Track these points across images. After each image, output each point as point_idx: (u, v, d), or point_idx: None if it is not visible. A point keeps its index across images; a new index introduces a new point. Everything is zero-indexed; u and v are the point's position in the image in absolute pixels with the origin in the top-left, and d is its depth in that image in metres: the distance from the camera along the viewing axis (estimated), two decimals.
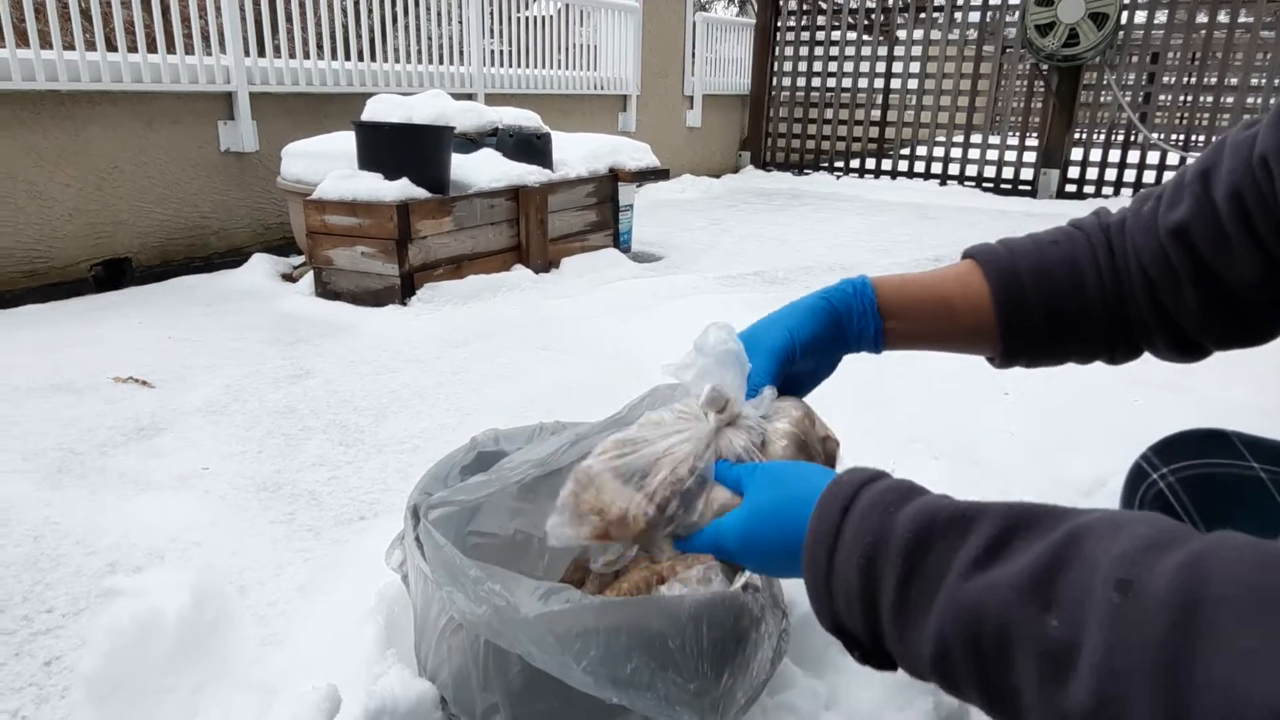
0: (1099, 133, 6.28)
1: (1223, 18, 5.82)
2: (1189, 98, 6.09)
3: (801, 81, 7.45)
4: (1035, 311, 0.74)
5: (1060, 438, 1.93)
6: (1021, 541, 0.44)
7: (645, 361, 2.46)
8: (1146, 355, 0.77)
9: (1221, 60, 5.83)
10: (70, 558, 1.42)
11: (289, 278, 3.37)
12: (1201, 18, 5.84)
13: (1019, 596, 0.41)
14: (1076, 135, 6.37)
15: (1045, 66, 6.22)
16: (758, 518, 0.60)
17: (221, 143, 3.63)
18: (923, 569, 0.47)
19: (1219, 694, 0.34)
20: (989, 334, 0.75)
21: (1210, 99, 5.97)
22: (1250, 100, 5.81)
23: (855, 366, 2.59)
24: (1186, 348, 0.73)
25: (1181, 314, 0.70)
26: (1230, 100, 5.88)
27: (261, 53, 3.71)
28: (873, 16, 7.07)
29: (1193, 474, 0.77)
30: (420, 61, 4.55)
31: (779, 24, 7.47)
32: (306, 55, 3.90)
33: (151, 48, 3.27)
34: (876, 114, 7.20)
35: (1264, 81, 5.78)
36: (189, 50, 3.42)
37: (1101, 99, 6.22)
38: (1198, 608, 0.35)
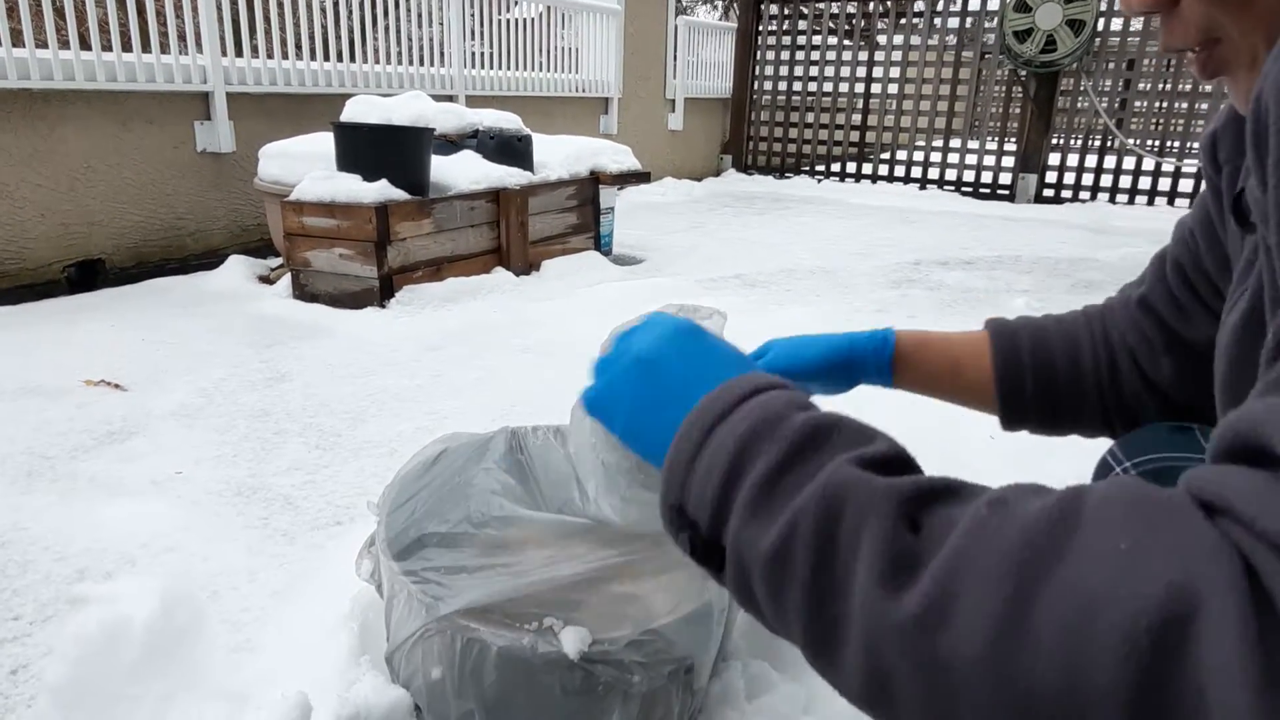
0: (1076, 138, 6.35)
1: None
2: (1164, 104, 6.17)
3: (783, 85, 7.48)
4: (1030, 382, 0.82)
5: (1038, 443, 1.93)
6: (918, 469, 0.43)
7: None
8: None
9: None
10: (39, 564, 1.39)
11: (266, 280, 3.33)
12: None
13: (891, 501, 0.39)
14: (1054, 140, 6.43)
15: (1023, 72, 6.28)
16: (666, 345, 0.56)
17: (198, 143, 3.59)
18: (806, 457, 0.43)
19: (1069, 593, 0.32)
20: (992, 400, 0.84)
21: (1185, 105, 6.05)
22: (1224, 107, 5.88)
23: None
24: (1178, 413, 0.80)
25: (1162, 380, 0.79)
26: (1205, 106, 5.96)
27: (239, 52, 3.67)
28: (853, 22, 7.11)
29: (1155, 467, 0.78)
30: (400, 63, 4.52)
31: (760, 28, 7.49)
32: (285, 55, 3.87)
33: (126, 46, 3.23)
34: (857, 118, 7.24)
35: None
36: (165, 49, 3.38)
37: (1079, 105, 6.29)
38: (1065, 520, 0.34)
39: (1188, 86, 5.94)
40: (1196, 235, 0.74)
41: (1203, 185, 0.74)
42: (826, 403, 0.89)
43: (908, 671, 0.36)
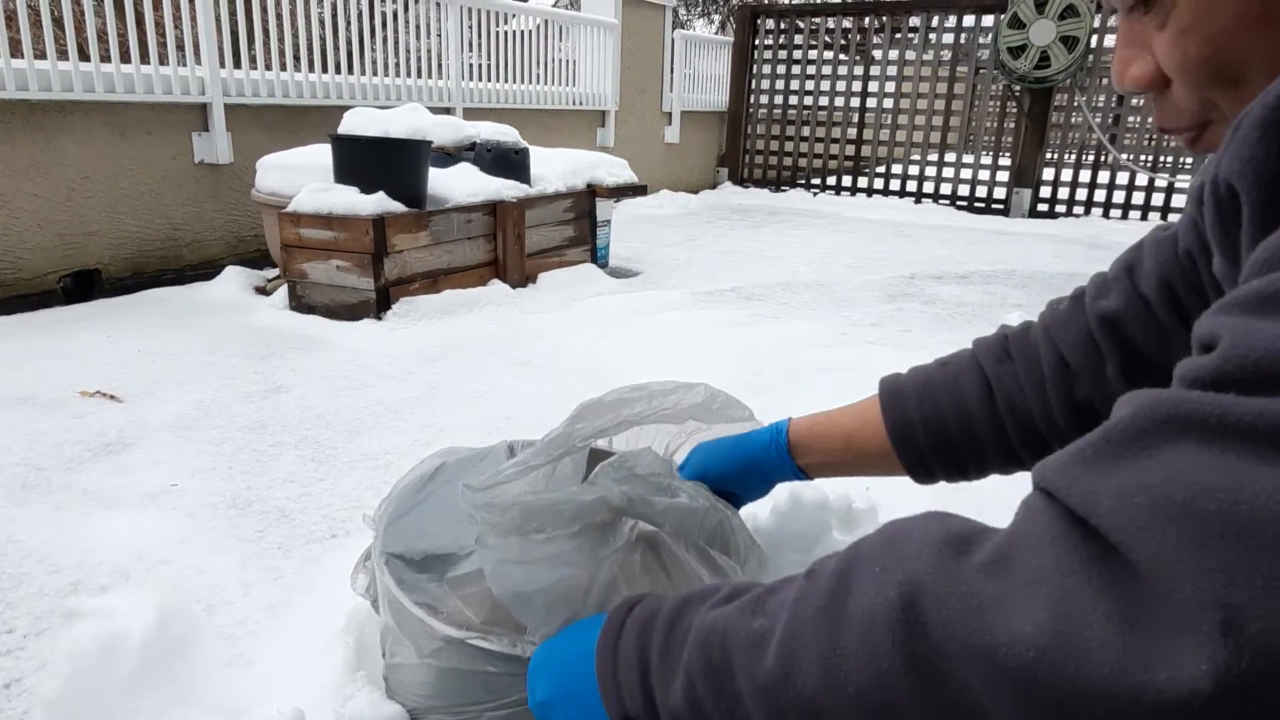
0: (1070, 153, 6.39)
1: None
2: None
3: (779, 99, 7.52)
4: (921, 433, 0.82)
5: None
6: (753, 589, 0.55)
7: (622, 377, 2.45)
8: None
9: None
10: (33, 577, 1.39)
11: (262, 291, 3.33)
12: None
13: (738, 612, 0.52)
14: (1048, 155, 6.48)
15: (1018, 88, 6.32)
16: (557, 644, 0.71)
17: (196, 154, 3.60)
18: (679, 623, 0.56)
19: (862, 608, 0.44)
20: (891, 460, 0.85)
21: None
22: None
23: (830, 381, 2.59)
24: None
25: (1103, 400, 0.75)
26: None
27: (237, 64, 3.69)
28: (849, 36, 7.16)
29: None
30: (398, 75, 4.54)
31: (756, 42, 7.54)
32: (283, 67, 3.88)
33: (125, 57, 3.24)
34: (853, 132, 7.28)
35: None
36: (163, 61, 3.39)
37: (1072, 120, 6.33)
38: (850, 562, 0.47)
39: None
40: (1195, 260, 0.71)
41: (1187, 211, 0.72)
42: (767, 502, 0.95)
43: (794, 714, 0.47)
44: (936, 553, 0.42)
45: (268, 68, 3.81)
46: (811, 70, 7.33)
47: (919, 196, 6.97)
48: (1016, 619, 0.37)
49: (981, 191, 6.70)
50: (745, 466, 0.88)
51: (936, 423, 0.81)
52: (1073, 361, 0.76)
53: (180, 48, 3.46)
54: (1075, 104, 6.24)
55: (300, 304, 3.02)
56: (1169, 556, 0.32)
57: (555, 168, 3.78)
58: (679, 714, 0.54)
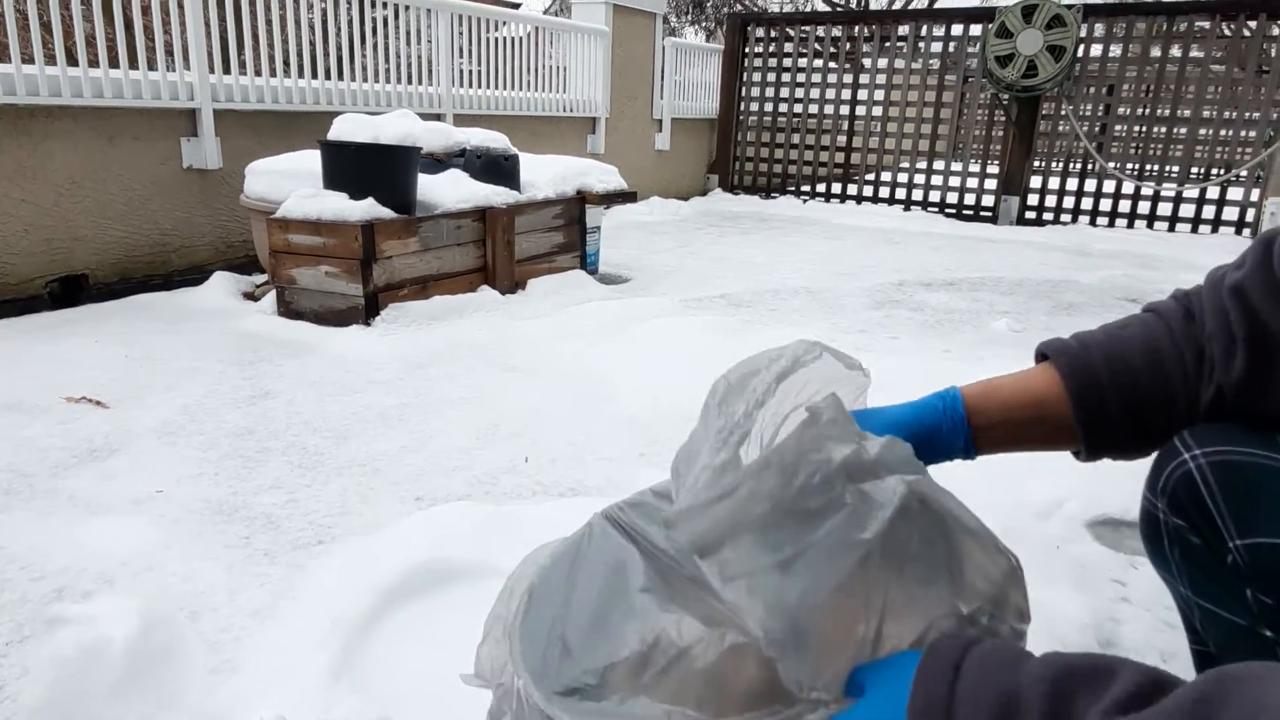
0: (1057, 161, 6.44)
1: (1175, 52, 6.02)
2: (1143, 128, 6.27)
3: (769, 107, 7.55)
4: (1114, 399, 0.76)
5: (1020, 463, 1.94)
6: (1165, 693, 0.43)
7: (612, 384, 2.46)
8: None
9: (1174, 93, 6.01)
10: (16, 583, 1.38)
11: (251, 296, 3.33)
12: (1155, 51, 6.03)
13: None
14: (1036, 164, 6.52)
15: (1005, 96, 6.37)
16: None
17: (185, 160, 3.59)
18: (1068, 714, 0.44)
19: None
20: (1071, 430, 0.77)
21: (1163, 130, 6.15)
22: (1202, 132, 5.99)
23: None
24: (1227, 418, 0.75)
25: (1227, 379, 0.73)
26: (1183, 132, 6.07)
27: (227, 70, 3.68)
28: (838, 44, 7.20)
29: (1224, 459, 0.74)
30: (389, 81, 4.54)
31: (746, 50, 7.57)
32: (273, 73, 3.88)
33: (114, 62, 3.23)
34: (843, 140, 7.32)
35: (1214, 114, 5.96)
36: (152, 66, 3.38)
37: (1059, 129, 6.38)
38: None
39: (1166, 111, 6.05)
40: None
41: None
42: None
43: None
44: None
45: (257, 73, 3.80)
46: (802, 78, 7.37)
47: (908, 204, 7.01)
48: None
49: (970, 199, 6.74)
50: (920, 438, 0.77)
51: (1129, 384, 0.75)
52: (1210, 327, 0.74)
53: (169, 52, 3.46)
54: (1062, 113, 6.29)
55: (289, 310, 3.02)
56: None
57: (545, 174, 3.79)
58: None
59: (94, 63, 3.18)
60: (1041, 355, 0.81)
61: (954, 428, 0.78)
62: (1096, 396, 0.76)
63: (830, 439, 0.67)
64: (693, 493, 0.65)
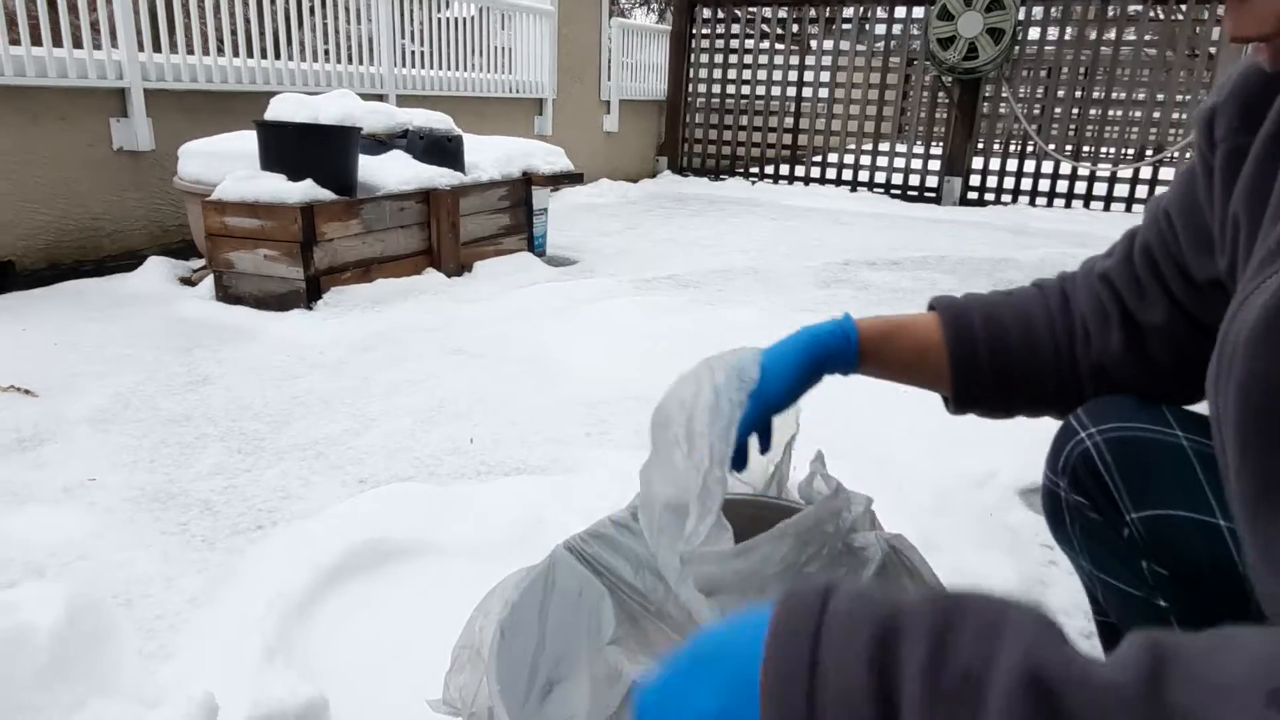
0: (998, 142, 6.56)
1: (1110, 35, 6.16)
2: (1079, 110, 6.42)
3: (717, 89, 7.56)
4: (984, 355, 0.80)
5: (954, 436, 1.99)
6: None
7: (559, 364, 2.46)
8: None
9: (1109, 75, 6.16)
10: None
11: (188, 281, 3.24)
12: (1092, 34, 6.17)
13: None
14: (978, 145, 6.64)
15: (948, 79, 6.46)
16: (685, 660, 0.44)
17: (114, 141, 3.47)
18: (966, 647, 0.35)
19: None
20: (947, 380, 0.83)
21: (1098, 112, 6.31)
22: (1136, 114, 6.15)
23: None
24: (1113, 389, 0.80)
25: (1106, 356, 0.78)
26: (1118, 114, 6.23)
27: (157, 48, 3.56)
28: (786, 26, 7.23)
29: (1118, 435, 0.77)
30: (329, 61, 4.44)
31: (694, 31, 7.56)
32: (206, 51, 3.77)
33: (36, 40, 3.11)
34: (790, 122, 7.36)
35: (1148, 96, 6.13)
36: (78, 44, 3.26)
37: (1000, 110, 6.50)
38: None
39: (1101, 94, 6.20)
40: (1173, 217, 0.72)
41: (1181, 167, 0.72)
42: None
43: None
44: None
45: (190, 51, 3.69)
46: (749, 60, 7.39)
47: (855, 185, 7.09)
48: None
49: (915, 180, 6.84)
50: (817, 366, 0.82)
51: (1000, 347, 0.80)
52: (1086, 311, 0.79)
53: (95, 30, 3.33)
54: (1002, 95, 6.41)
55: (227, 294, 2.95)
56: None
57: (490, 155, 3.75)
58: None
59: (15, 40, 3.05)
60: (931, 307, 0.86)
61: (844, 363, 0.83)
62: (970, 350, 0.80)
63: (841, 509, 0.75)
64: (690, 542, 0.69)
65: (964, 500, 1.69)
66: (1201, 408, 0.74)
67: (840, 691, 0.36)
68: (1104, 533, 0.79)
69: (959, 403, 0.84)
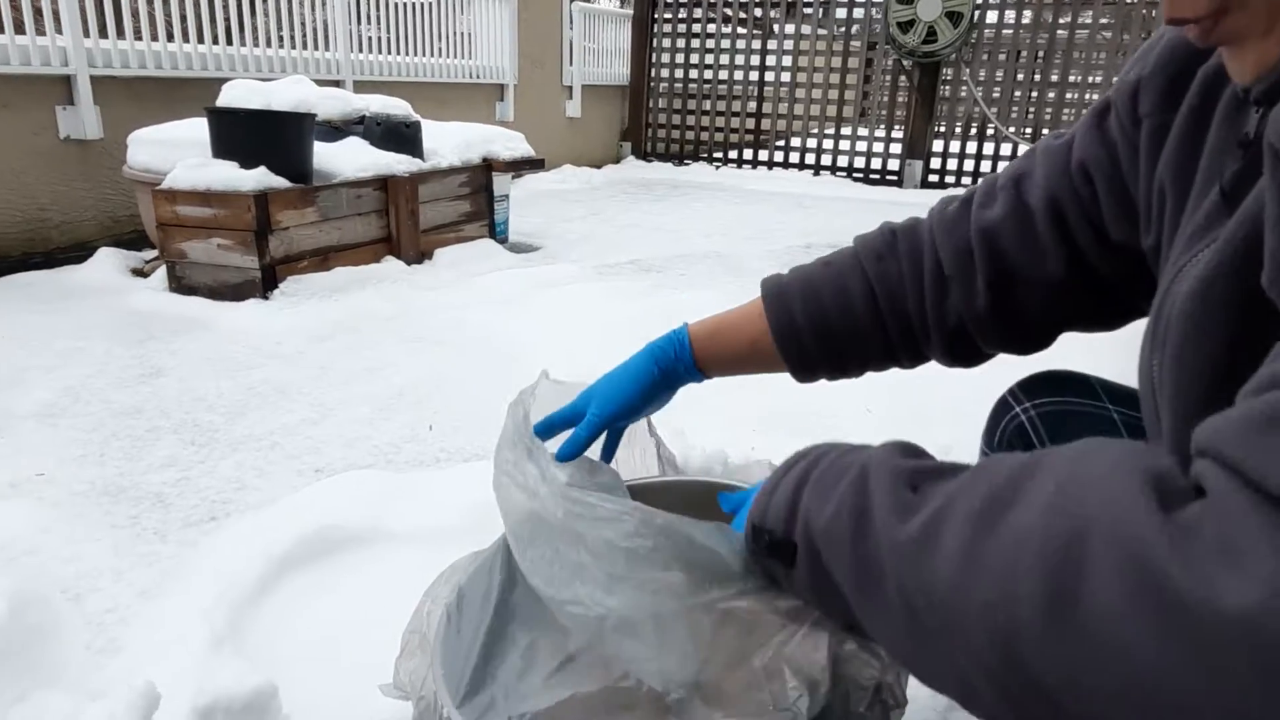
0: (958, 125, 6.63)
1: (1067, 19, 6.24)
2: (1036, 93, 6.50)
3: (680, 73, 7.55)
4: (807, 334, 0.81)
5: (912, 413, 2.04)
6: (925, 458, 0.57)
7: (519, 350, 2.45)
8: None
9: (1065, 58, 6.24)
10: None
11: (140, 273, 3.18)
12: (1048, 18, 6.24)
13: (897, 476, 0.52)
14: (938, 128, 6.70)
15: (908, 62, 6.51)
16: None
17: (61, 129, 3.39)
18: (848, 456, 0.59)
19: (1011, 530, 0.42)
20: (781, 364, 0.85)
21: (1054, 95, 6.39)
22: (1091, 96, 6.24)
23: None
24: (963, 354, 0.79)
25: (969, 315, 0.76)
26: (1073, 96, 6.31)
27: (104, 33, 3.48)
28: (748, 10, 7.22)
29: (1052, 409, 0.79)
30: (283, 46, 4.36)
31: (656, 15, 7.53)
32: (155, 37, 3.68)
33: None
34: (753, 106, 7.37)
35: (1101, 79, 6.22)
36: (20, 29, 3.17)
37: (960, 94, 6.56)
38: (1024, 471, 0.45)
39: (1055, 77, 6.28)
40: (1094, 180, 0.70)
41: (1091, 127, 0.70)
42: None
43: (913, 590, 0.46)
44: (1133, 496, 0.39)
45: (139, 37, 3.60)
46: (711, 44, 7.38)
47: (818, 169, 7.13)
48: (1225, 581, 0.33)
49: (876, 164, 6.89)
50: (657, 386, 0.86)
51: (821, 325, 0.81)
52: (948, 268, 0.76)
53: (39, 14, 3.24)
54: (962, 78, 6.47)
55: (180, 285, 2.90)
56: None
57: (449, 142, 3.72)
58: (819, 535, 0.55)
59: None
60: (763, 290, 0.87)
61: (686, 369, 0.86)
62: (795, 338, 0.82)
63: None
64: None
65: None
66: (1131, 380, 0.76)
67: (782, 491, 0.61)
68: None
69: (799, 378, 0.86)
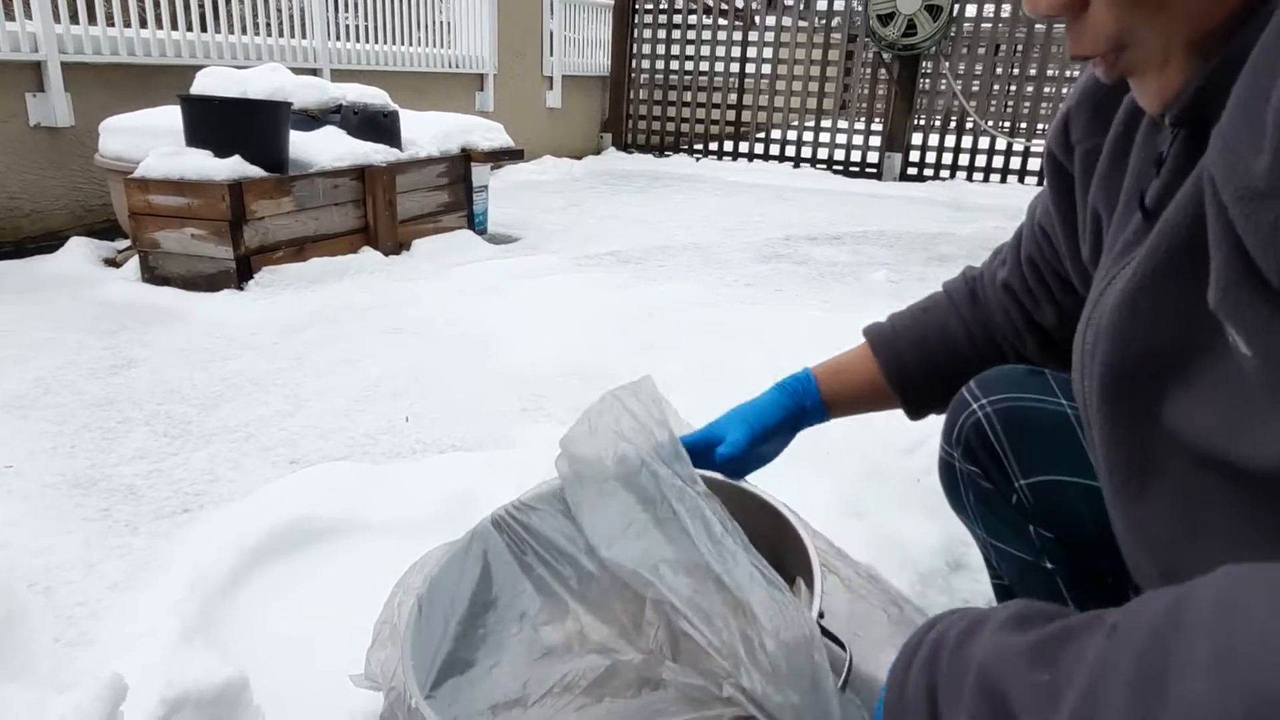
0: (937, 119, 6.66)
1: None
2: (1015, 87, 6.54)
3: (661, 64, 7.53)
4: (920, 376, 0.90)
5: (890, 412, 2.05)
6: (1042, 618, 0.46)
7: (497, 342, 2.45)
8: None
9: (1043, 52, 6.28)
10: None
11: (112, 263, 3.14)
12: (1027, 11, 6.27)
13: (1024, 656, 0.44)
14: (917, 121, 6.73)
15: (888, 55, 6.53)
16: None
17: (31, 117, 3.33)
18: (963, 650, 0.49)
19: (1180, 705, 0.34)
20: (898, 404, 0.93)
21: (1032, 88, 6.44)
22: (1077, 87, 6.28)
23: (702, 341, 2.64)
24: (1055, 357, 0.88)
25: (1026, 352, 0.87)
26: (1051, 90, 6.36)
27: (75, 19, 3.42)
28: (728, 2, 7.21)
29: (1008, 406, 0.82)
30: (259, 34, 4.31)
31: (637, 6, 7.50)
32: (128, 23, 3.63)
33: None
34: (734, 98, 7.37)
35: (1078, 72, 6.26)
36: None
37: (939, 87, 6.59)
38: (1171, 628, 0.37)
39: (1034, 71, 6.32)
40: (1047, 232, 0.78)
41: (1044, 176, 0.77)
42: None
43: None
44: None
45: (111, 23, 3.55)
46: (693, 35, 7.36)
47: (797, 161, 7.14)
48: None
49: (856, 156, 6.92)
50: (783, 423, 0.91)
51: (934, 365, 0.89)
52: (1001, 318, 0.87)
53: (8, 0, 3.18)
54: (941, 71, 6.50)
55: (154, 275, 2.86)
56: None
57: (427, 132, 3.69)
58: None
59: None
60: (865, 336, 0.95)
61: (815, 408, 0.93)
62: (911, 381, 0.91)
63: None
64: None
65: (892, 467, 1.73)
66: None
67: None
68: (995, 500, 0.82)
69: (914, 416, 0.95)
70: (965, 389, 0.85)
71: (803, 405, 0.92)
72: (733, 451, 0.88)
